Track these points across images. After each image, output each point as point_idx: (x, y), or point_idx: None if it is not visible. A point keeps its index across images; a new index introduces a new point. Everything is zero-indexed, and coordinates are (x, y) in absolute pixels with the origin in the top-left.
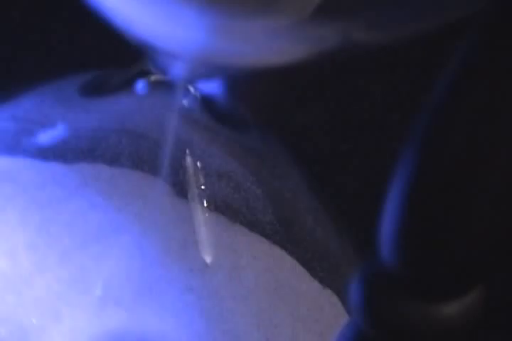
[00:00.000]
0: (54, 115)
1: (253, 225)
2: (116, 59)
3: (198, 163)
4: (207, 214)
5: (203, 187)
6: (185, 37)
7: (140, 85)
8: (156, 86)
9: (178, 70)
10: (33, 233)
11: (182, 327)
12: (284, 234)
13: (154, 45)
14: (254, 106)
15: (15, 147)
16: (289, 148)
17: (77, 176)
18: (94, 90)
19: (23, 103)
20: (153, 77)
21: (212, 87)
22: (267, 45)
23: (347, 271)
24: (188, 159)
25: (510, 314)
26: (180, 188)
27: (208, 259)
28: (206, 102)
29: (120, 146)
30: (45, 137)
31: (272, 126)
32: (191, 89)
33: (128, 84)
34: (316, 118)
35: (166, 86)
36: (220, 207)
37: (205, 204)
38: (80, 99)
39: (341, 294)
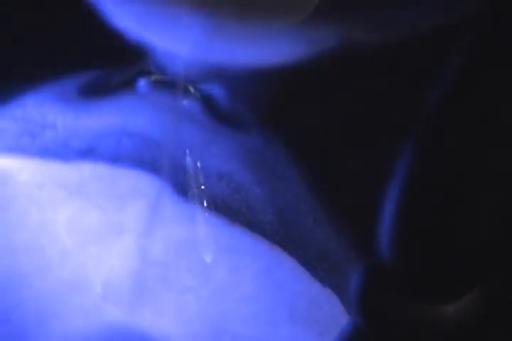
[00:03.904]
0: (54, 115)
1: (253, 225)
2: (116, 59)
3: (198, 163)
4: (207, 214)
5: (202, 187)
6: (185, 37)
7: (140, 85)
8: (156, 86)
9: (178, 70)
10: (33, 233)
11: (182, 327)
12: (284, 234)
13: (155, 44)
14: (254, 106)
15: (15, 147)
16: (289, 148)
17: (77, 176)
18: (94, 90)
19: (23, 103)
20: (153, 77)
21: (213, 87)
22: (267, 45)
23: (347, 271)
24: (188, 159)
25: (511, 314)
26: (180, 188)
27: (208, 259)
28: (206, 102)
29: (120, 146)
30: (45, 137)
31: (272, 126)
32: (191, 89)
33: (128, 84)
34: (316, 118)
35: (166, 86)
36: (220, 207)
37: (205, 204)
38: (80, 99)
39: (341, 294)
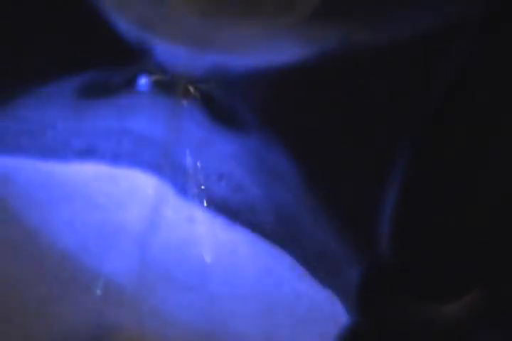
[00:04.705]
0: (54, 115)
1: (253, 225)
2: (116, 59)
3: (198, 163)
4: (207, 214)
5: (203, 187)
6: (185, 37)
7: (140, 85)
8: (156, 86)
9: (178, 70)
10: (33, 233)
11: (182, 327)
12: (284, 234)
13: (155, 44)
14: (254, 106)
15: (15, 147)
16: (289, 148)
17: (77, 176)
18: (94, 90)
19: (23, 103)
20: (153, 77)
21: (213, 87)
22: (267, 45)
23: (347, 271)
24: (188, 159)
25: (511, 314)
26: (180, 188)
27: (208, 259)
28: (206, 102)
29: (120, 146)
30: (45, 137)
31: (272, 126)
32: (191, 89)
33: (128, 83)
34: (316, 118)
35: (166, 85)
36: (220, 207)
37: (205, 204)
38: (80, 99)
39: (341, 294)
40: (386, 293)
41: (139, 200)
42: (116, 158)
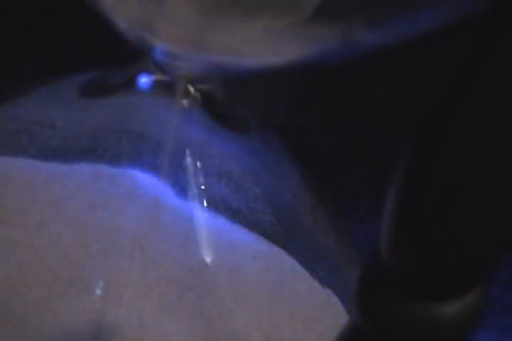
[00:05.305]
0: (54, 115)
1: (253, 225)
2: (116, 59)
3: (198, 163)
4: (207, 214)
5: (202, 187)
6: (185, 37)
7: (140, 85)
8: (156, 86)
9: (178, 70)
10: (33, 233)
11: (182, 327)
12: (284, 234)
13: (155, 44)
14: (254, 106)
15: (15, 147)
16: (289, 148)
17: (77, 176)
18: (94, 90)
19: (23, 103)
20: (153, 77)
21: (213, 87)
22: (267, 45)
23: (347, 271)
24: (188, 159)
25: (511, 314)
26: (180, 188)
27: (208, 259)
28: (206, 102)
29: (120, 146)
30: (45, 137)
31: (272, 126)
32: (191, 89)
33: (128, 83)
34: (316, 118)
35: (166, 86)
36: (220, 207)
37: (205, 204)
38: (80, 99)
39: (341, 294)
40: (386, 293)
41: (138, 200)
42: (116, 158)
